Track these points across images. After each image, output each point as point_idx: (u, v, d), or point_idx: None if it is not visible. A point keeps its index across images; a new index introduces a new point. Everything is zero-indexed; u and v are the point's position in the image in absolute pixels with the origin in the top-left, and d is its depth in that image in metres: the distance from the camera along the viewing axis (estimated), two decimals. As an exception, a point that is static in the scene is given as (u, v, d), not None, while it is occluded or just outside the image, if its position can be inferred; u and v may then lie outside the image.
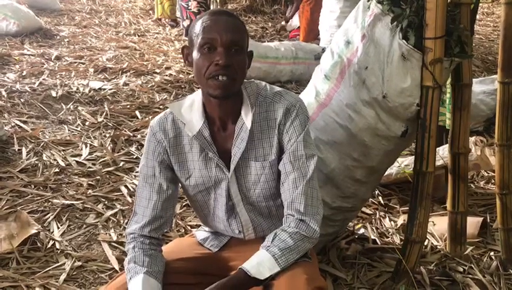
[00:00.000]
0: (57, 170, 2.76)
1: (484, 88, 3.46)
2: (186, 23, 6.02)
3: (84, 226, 2.31)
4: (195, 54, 1.33)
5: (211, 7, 6.26)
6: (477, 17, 6.60)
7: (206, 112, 1.40)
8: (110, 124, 3.40)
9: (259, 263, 1.28)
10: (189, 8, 5.92)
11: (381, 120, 1.76)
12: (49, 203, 2.45)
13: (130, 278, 1.34)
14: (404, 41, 1.67)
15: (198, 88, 4.46)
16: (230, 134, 1.40)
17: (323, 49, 4.26)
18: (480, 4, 7.30)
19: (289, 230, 1.33)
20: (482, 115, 3.39)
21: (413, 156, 2.15)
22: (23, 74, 4.22)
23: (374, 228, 2.31)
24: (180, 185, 1.51)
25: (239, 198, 1.45)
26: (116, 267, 2.01)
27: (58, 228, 2.27)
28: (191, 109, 1.41)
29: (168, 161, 1.44)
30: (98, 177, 2.72)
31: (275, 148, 1.40)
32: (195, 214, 2.35)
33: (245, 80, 1.39)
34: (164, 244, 1.55)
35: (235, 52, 1.31)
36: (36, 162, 2.84)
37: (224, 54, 1.29)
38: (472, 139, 2.61)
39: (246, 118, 1.37)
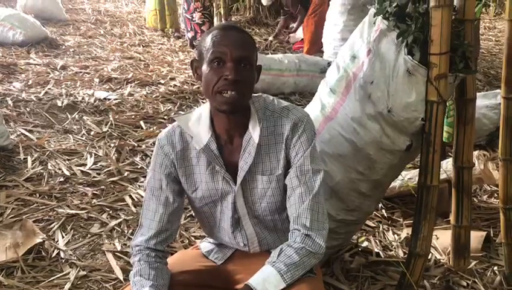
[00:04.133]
0: (61, 179, 2.78)
1: (487, 102, 3.48)
2: (190, 34, 6.07)
3: (89, 235, 2.32)
4: (204, 68, 1.35)
5: (215, 18, 6.32)
6: (479, 31, 6.64)
7: (214, 125, 1.41)
8: (115, 134, 3.42)
9: (265, 279, 1.28)
10: (194, 19, 5.98)
11: (386, 134, 1.78)
12: (54, 213, 2.47)
13: (136, 291, 1.34)
14: (409, 56, 1.69)
15: (202, 99, 4.47)
16: (237, 147, 1.41)
17: (329, 63, 4.31)
18: (482, 19, 7.35)
19: (295, 245, 1.34)
20: (485, 129, 3.40)
21: (416, 170, 2.16)
22: (29, 83, 4.26)
23: (377, 241, 2.32)
24: (186, 197, 1.52)
25: (245, 211, 1.46)
26: (121, 277, 2.01)
27: (63, 237, 2.28)
28: (199, 122, 1.42)
29: (175, 173, 1.45)
30: (103, 186, 2.73)
31: (282, 162, 1.41)
32: (199, 225, 2.36)
33: (253, 94, 1.41)
34: (169, 256, 1.56)
35: (244, 67, 1.32)
36: (41, 171, 2.86)
37: (234, 69, 1.30)
38: (475, 153, 2.62)
39: (254, 132, 1.38)
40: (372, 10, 1.79)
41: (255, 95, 1.42)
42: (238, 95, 1.31)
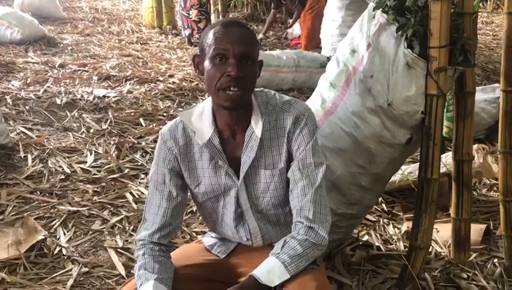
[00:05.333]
0: (62, 176, 2.79)
1: (485, 96, 3.50)
2: (187, 32, 6.07)
3: (90, 232, 2.33)
4: (206, 64, 1.35)
5: (212, 16, 6.32)
6: (477, 26, 6.65)
7: (216, 120, 1.42)
8: (115, 131, 3.43)
9: (270, 270, 1.30)
10: (190, 16, 5.98)
11: (386, 128, 1.79)
12: (55, 210, 2.47)
13: (141, 285, 1.35)
14: (409, 50, 1.69)
15: (201, 96, 4.45)
16: (239, 142, 1.42)
17: (329, 58, 4.31)
18: (479, 13, 7.36)
19: (298, 237, 1.35)
20: (484, 123, 3.42)
21: (416, 164, 2.18)
22: (28, 82, 4.25)
23: (378, 234, 2.33)
24: (189, 192, 1.53)
25: (248, 206, 1.46)
26: (123, 273, 2.02)
27: (65, 234, 2.29)
28: (201, 118, 1.43)
29: (178, 168, 1.46)
30: (103, 184, 2.74)
31: (284, 156, 1.41)
32: (201, 221, 2.37)
33: (255, 89, 1.41)
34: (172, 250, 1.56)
35: (246, 63, 1.33)
36: (42, 169, 2.86)
37: (236, 66, 1.30)
38: (474, 146, 2.63)
39: (256, 126, 1.39)
40: (372, 4, 1.79)
41: (256, 89, 1.43)
42: (241, 92, 1.32)
